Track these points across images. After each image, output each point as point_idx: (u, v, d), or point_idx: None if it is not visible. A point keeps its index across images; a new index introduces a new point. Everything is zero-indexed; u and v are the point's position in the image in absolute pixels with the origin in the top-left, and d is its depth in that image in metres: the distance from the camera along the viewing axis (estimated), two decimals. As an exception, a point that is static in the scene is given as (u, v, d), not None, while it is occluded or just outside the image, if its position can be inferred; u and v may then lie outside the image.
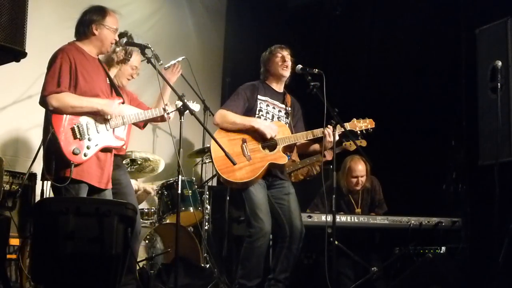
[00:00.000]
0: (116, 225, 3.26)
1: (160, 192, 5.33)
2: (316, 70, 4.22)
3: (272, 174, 4.34)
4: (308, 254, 5.30)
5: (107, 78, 3.93)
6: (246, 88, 4.43)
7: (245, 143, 4.27)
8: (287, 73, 4.44)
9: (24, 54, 3.74)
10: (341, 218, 4.82)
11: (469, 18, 5.07)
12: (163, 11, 6.74)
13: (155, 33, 6.42)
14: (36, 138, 4.92)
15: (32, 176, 4.56)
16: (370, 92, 6.30)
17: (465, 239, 4.81)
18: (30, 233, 4.27)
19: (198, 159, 6.12)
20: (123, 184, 4.23)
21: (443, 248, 4.86)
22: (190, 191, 5.21)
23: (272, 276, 4.23)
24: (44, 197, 4.15)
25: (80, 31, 3.84)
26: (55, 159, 3.56)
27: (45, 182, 4.01)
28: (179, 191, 3.76)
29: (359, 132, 4.44)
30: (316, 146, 4.49)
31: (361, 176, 5.30)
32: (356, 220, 4.91)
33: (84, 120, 3.69)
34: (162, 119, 4.21)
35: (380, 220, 4.95)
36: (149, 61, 3.80)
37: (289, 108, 4.53)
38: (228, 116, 4.27)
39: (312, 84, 4.18)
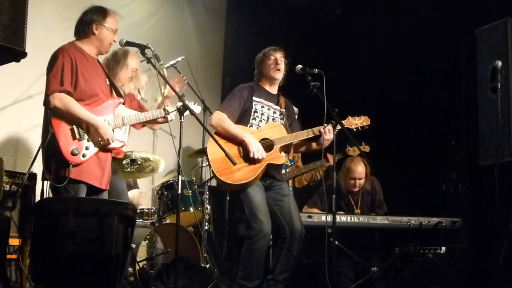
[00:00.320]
0: (116, 225, 3.26)
1: (160, 192, 5.33)
2: (316, 70, 4.22)
3: (269, 175, 4.34)
4: (308, 254, 5.30)
5: (107, 79, 3.94)
6: (241, 89, 4.43)
7: (241, 145, 4.26)
8: (279, 75, 4.45)
9: (24, 54, 3.74)
10: (341, 218, 4.82)
11: (469, 18, 5.06)
12: (163, 11, 6.74)
13: (155, 33, 6.43)
14: (36, 138, 4.92)
15: (32, 176, 4.55)
16: (370, 92, 6.29)
17: (465, 239, 4.81)
18: (30, 233, 4.27)
19: (199, 159, 6.12)
20: (119, 190, 4.25)
21: (443, 248, 4.86)
22: (190, 191, 5.21)
23: (271, 277, 4.22)
24: (44, 197, 4.15)
25: (80, 30, 3.85)
26: (54, 159, 3.57)
27: (45, 182, 4.01)
28: (179, 191, 3.76)
29: (354, 129, 4.44)
30: (312, 145, 4.49)
31: (359, 179, 5.29)
32: (356, 220, 4.91)
33: (83, 121, 3.68)
34: (163, 120, 4.21)
35: (380, 220, 4.95)
36: (149, 61, 3.80)
37: (284, 110, 4.53)
38: (225, 122, 4.25)
39: (312, 84, 4.18)
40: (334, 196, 4.07)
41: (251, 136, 4.25)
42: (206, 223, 5.43)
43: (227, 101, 4.41)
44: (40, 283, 3.47)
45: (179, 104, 3.83)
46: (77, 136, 3.63)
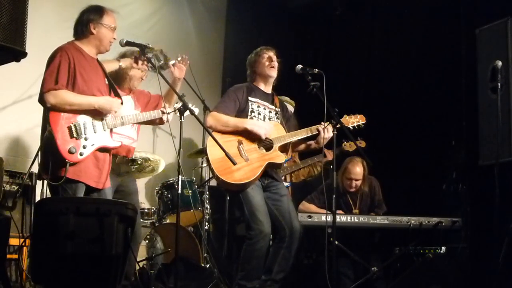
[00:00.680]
0: (116, 225, 3.26)
1: (160, 192, 5.33)
2: (316, 70, 4.22)
3: (268, 175, 4.34)
4: (308, 254, 5.31)
5: (106, 79, 3.93)
6: (236, 89, 4.42)
7: (241, 144, 4.25)
8: (274, 73, 4.45)
9: (24, 54, 3.75)
10: (341, 218, 4.82)
11: (469, 18, 5.06)
12: (163, 11, 6.74)
13: (155, 33, 6.43)
14: (36, 138, 4.89)
15: (32, 176, 4.56)
16: (370, 92, 6.30)
17: (465, 239, 4.81)
18: (30, 233, 4.28)
19: (199, 159, 6.12)
20: (127, 191, 4.31)
21: (443, 248, 4.86)
22: (190, 191, 5.21)
23: (268, 277, 4.18)
24: (44, 197, 4.15)
25: (79, 30, 3.86)
26: (52, 157, 3.56)
27: (45, 181, 4.01)
28: (179, 191, 3.76)
29: (351, 127, 4.44)
30: (310, 144, 4.49)
31: (356, 180, 5.28)
32: (356, 220, 4.90)
33: (82, 119, 3.68)
34: (160, 121, 4.21)
35: (380, 220, 4.95)
36: (149, 61, 3.80)
37: (278, 109, 4.53)
38: (221, 118, 4.25)
39: (312, 84, 4.18)
40: (334, 196, 4.07)
41: (250, 120, 4.28)
42: (206, 223, 5.43)
43: (221, 102, 4.40)
44: (40, 283, 3.47)
45: (177, 105, 3.84)
46: (75, 135, 3.62)
